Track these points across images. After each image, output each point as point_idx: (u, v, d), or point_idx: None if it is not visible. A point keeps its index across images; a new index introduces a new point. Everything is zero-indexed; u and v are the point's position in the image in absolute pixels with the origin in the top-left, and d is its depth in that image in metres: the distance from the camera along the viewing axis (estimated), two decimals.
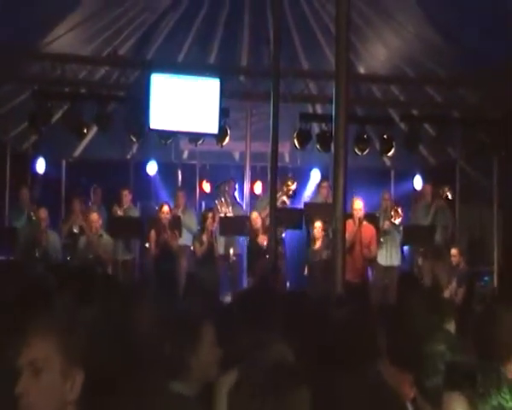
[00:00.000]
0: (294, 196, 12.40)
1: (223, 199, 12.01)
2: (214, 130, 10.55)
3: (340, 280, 4.10)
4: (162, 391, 2.63)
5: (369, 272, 10.96)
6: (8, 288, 4.00)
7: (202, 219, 11.28)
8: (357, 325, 3.72)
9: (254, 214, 11.10)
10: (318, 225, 10.75)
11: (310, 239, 11.13)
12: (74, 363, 2.05)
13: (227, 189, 12.18)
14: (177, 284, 10.58)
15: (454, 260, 10.80)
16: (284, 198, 11.93)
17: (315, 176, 13.58)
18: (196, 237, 11.23)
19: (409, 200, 13.44)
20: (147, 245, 11.27)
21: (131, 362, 2.55)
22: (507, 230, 11.59)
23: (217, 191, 12.58)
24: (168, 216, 10.77)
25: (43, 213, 10.49)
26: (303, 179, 13.61)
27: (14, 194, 12.20)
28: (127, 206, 11.66)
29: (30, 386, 2.00)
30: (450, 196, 11.69)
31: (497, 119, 11.14)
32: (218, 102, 10.41)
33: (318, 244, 10.74)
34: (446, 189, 11.71)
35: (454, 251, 10.85)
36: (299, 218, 11.17)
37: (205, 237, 11.01)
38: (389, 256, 11.04)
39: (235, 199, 12.57)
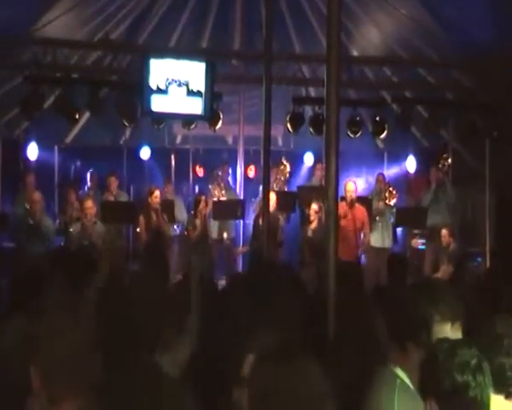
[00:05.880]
0: (290, 178, 12.60)
1: (216, 184, 12.06)
2: (208, 113, 10.57)
3: (332, 262, 4.12)
4: (154, 371, 2.66)
5: (362, 255, 11.00)
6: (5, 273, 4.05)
7: (195, 204, 11.30)
8: (353, 307, 3.75)
9: (272, 196, 10.41)
10: (314, 207, 10.53)
11: (303, 221, 11.14)
12: None
13: (220, 173, 12.24)
14: (168, 269, 10.64)
15: (444, 240, 10.84)
16: (282, 179, 12.10)
17: (308, 159, 13.62)
18: (189, 222, 11.25)
19: (402, 182, 13.51)
20: (138, 230, 11.34)
21: (128, 342, 2.58)
22: (499, 211, 11.65)
23: (210, 176, 12.64)
24: (159, 201, 10.79)
25: (37, 196, 10.51)
26: (296, 163, 13.64)
27: (6, 180, 12.23)
28: (116, 192, 11.76)
29: None
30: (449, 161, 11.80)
31: (490, 101, 11.17)
32: (210, 85, 10.40)
33: (313, 226, 10.58)
34: (444, 159, 11.82)
35: (444, 232, 10.88)
36: (293, 201, 11.21)
37: (198, 222, 11.03)
38: (381, 238, 11.11)
39: (229, 183, 12.63)
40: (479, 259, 11.57)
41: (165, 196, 11.62)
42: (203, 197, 11.21)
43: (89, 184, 12.45)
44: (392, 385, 2.59)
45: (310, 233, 10.49)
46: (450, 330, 2.61)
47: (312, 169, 12.94)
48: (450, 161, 12.00)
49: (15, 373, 2.44)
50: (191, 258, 11.12)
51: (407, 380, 2.62)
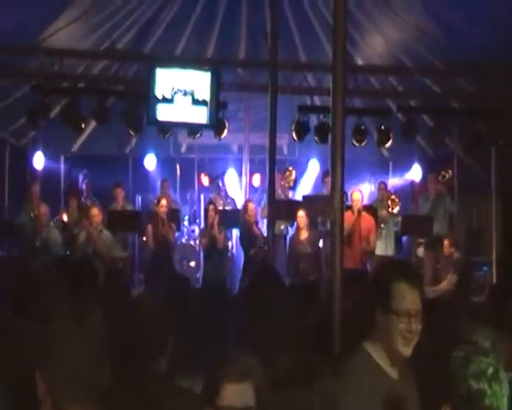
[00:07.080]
0: (295, 184, 12.63)
1: (216, 193, 12.21)
2: (213, 122, 10.59)
3: (338, 273, 4.10)
4: (164, 383, 2.65)
5: (368, 265, 10.98)
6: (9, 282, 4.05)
7: (205, 213, 11.37)
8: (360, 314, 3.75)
9: (252, 205, 11.00)
10: (301, 214, 10.56)
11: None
12: None
13: (220, 185, 12.38)
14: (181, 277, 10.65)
15: (446, 250, 10.80)
16: (287, 185, 12.16)
17: (313, 166, 13.62)
18: (203, 233, 11.30)
19: (407, 190, 13.49)
20: (144, 239, 11.37)
21: (134, 353, 2.58)
22: (505, 220, 11.61)
23: (212, 186, 12.81)
24: (166, 209, 10.83)
25: (44, 208, 10.55)
26: (301, 171, 13.64)
27: (13, 189, 12.27)
28: (122, 203, 11.84)
29: None
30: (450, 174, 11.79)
31: (495, 108, 11.15)
32: (215, 94, 10.42)
33: (304, 235, 10.57)
34: (445, 171, 11.79)
35: (446, 242, 10.86)
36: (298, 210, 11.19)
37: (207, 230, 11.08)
38: (384, 246, 11.11)
39: (227, 194, 12.77)
40: (485, 268, 11.52)
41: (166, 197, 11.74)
42: (211, 206, 11.25)
43: (84, 193, 12.45)
44: (358, 362, 2.68)
45: (305, 245, 10.41)
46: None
47: (321, 183, 12.86)
48: (450, 173, 11.97)
49: (20, 379, 2.44)
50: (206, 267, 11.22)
51: (376, 356, 2.69)
